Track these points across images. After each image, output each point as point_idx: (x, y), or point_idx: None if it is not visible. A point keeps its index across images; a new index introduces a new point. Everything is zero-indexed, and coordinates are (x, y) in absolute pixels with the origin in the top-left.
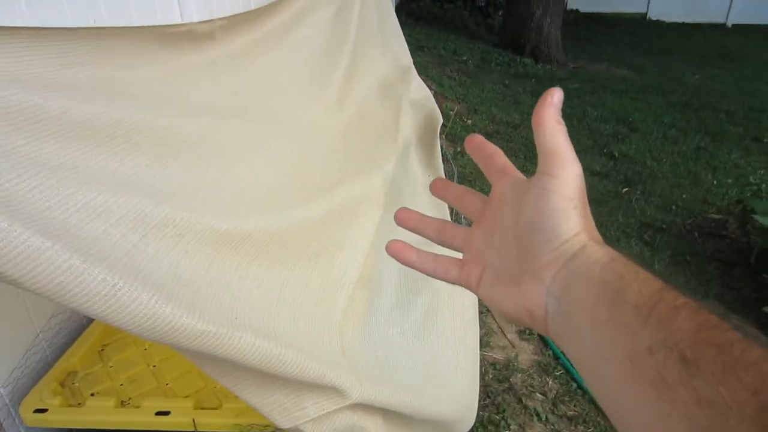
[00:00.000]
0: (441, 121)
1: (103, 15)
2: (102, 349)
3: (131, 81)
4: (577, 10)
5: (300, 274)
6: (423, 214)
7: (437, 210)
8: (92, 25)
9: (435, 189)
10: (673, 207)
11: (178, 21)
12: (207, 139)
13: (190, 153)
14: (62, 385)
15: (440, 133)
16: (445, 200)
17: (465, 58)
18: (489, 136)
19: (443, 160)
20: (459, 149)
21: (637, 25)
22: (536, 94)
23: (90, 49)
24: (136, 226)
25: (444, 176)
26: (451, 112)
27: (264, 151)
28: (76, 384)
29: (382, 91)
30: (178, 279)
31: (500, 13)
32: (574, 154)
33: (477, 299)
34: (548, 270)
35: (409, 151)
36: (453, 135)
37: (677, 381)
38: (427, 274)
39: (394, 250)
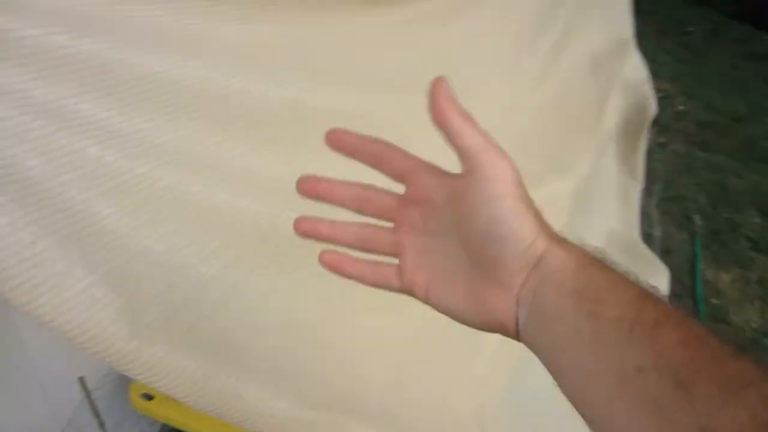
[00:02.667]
0: (654, 111)
1: None
2: None
3: (300, 41)
4: None
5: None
6: (333, 221)
7: (625, 220)
8: None
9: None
10: None
11: None
12: (376, 119)
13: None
14: None
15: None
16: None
17: (690, 28)
18: (702, 127)
19: (648, 157)
20: (661, 140)
21: None
22: None
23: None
24: (263, 240)
25: (641, 176)
26: (661, 95)
27: (431, 140)
28: None
29: (594, 67)
30: (287, 321)
31: None
32: (498, 145)
33: None
34: (514, 278)
35: (609, 145)
36: (658, 122)
37: (674, 406)
38: (367, 285)
39: (329, 264)
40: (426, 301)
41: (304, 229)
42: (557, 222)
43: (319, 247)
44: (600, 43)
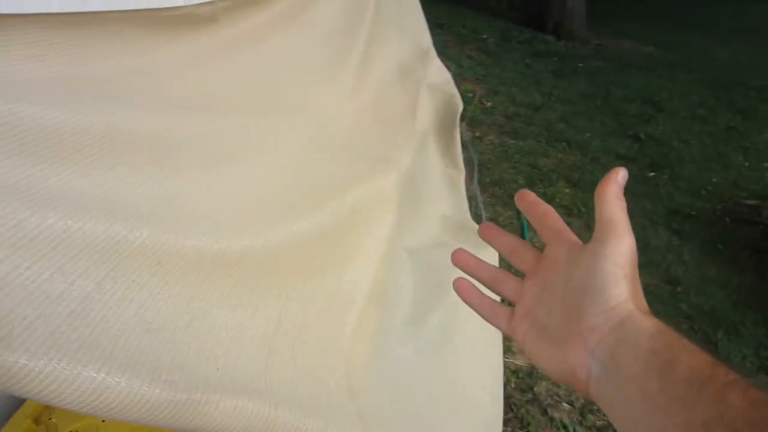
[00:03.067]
0: (461, 107)
1: None
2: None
3: (111, 76)
4: None
5: (303, 296)
6: (480, 260)
7: (455, 205)
8: (82, 8)
9: (484, 234)
10: (703, 192)
11: (180, 3)
12: (202, 140)
13: (180, 159)
14: (37, 422)
15: (461, 119)
16: (495, 248)
17: (485, 36)
18: (509, 118)
19: (463, 147)
20: (478, 134)
21: None
22: (558, 74)
23: (63, 39)
24: (104, 258)
25: (462, 165)
26: (470, 95)
27: (270, 151)
28: (53, 420)
29: (401, 75)
30: (149, 324)
31: None
32: (630, 226)
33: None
34: (594, 333)
35: (427, 141)
36: (472, 119)
37: None
38: (480, 316)
39: (460, 289)
40: (521, 344)
41: (458, 258)
42: (388, 208)
43: (165, 263)
44: (404, 53)
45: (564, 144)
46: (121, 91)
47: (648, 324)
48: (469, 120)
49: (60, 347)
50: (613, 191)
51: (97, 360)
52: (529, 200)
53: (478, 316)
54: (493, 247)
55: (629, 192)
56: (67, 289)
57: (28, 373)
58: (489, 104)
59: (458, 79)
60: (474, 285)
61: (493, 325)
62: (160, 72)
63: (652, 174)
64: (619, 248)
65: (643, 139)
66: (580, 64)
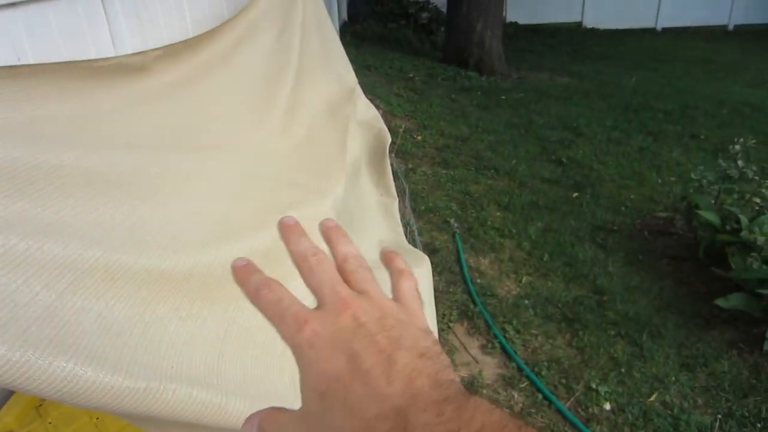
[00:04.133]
0: (390, 139)
1: (27, 52)
2: (40, 405)
3: (54, 120)
4: (516, 23)
5: (248, 309)
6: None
7: (390, 229)
8: (17, 63)
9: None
10: (622, 208)
11: (111, 53)
12: (141, 175)
13: (122, 191)
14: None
15: (390, 151)
16: None
17: (411, 75)
18: (440, 150)
19: (394, 177)
20: (410, 166)
21: (574, 33)
22: (483, 107)
23: (6, 89)
24: (63, 273)
25: (395, 193)
26: (400, 129)
27: (204, 183)
28: (51, 422)
29: (329, 114)
30: (108, 329)
31: (442, 29)
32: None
33: (435, 316)
34: None
35: (360, 172)
36: (403, 152)
37: None
38: None
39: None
40: None
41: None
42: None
43: (118, 279)
44: (331, 92)
45: (492, 171)
46: (62, 133)
47: None
48: (401, 153)
49: (32, 342)
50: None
51: (65, 353)
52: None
53: None
54: None
55: (557, 211)
56: (33, 299)
57: (6, 362)
58: (419, 138)
59: (388, 116)
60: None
61: None
62: (95, 117)
63: (576, 194)
64: None
65: (566, 162)
66: (503, 97)
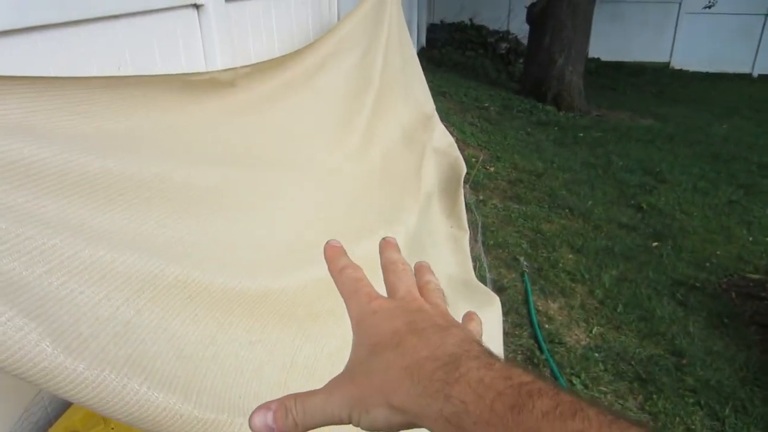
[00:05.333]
0: (465, 169)
1: (127, 62)
2: None
3: (147, 131)
4: (598, 59)
5: (316, 336)
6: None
7: (460, 264)
8: (117, 71)
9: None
10: (707, 264)
11: (203, 68)
12: (225, 191)
13: (206, 207)
14: None
15: (464, 182)
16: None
17: (486, 104)
18: (512, 184)
19: (467, 209)
20: (482, 198)
21: (660, 74)
22: (559, 142)
23: (104, 99)
24: (143, 289)
25: (467, 226)
26: (474, 160)
27: (286, 201)
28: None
29: (405, 138)
30: (181, 351)
31: (521, 60)
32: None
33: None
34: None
35: (432, 201)
36: (476, 183)
37: None
38: None
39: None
40: None
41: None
42: None
43: (195, 297)
44: (408, 118)
45: (567, 210)
46: (152, 145)
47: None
48: (472, 184)
49: (109, 361)
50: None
51: (139, 375)
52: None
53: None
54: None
55: (633, 260)
56: (113, 314)
57: (83, 380)
58: (492, 169)
59: (461, 145)
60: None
61: None
62: (185, 129)
63: (656, 244)
64: None
65: (646, 209)
66: (581, 134)
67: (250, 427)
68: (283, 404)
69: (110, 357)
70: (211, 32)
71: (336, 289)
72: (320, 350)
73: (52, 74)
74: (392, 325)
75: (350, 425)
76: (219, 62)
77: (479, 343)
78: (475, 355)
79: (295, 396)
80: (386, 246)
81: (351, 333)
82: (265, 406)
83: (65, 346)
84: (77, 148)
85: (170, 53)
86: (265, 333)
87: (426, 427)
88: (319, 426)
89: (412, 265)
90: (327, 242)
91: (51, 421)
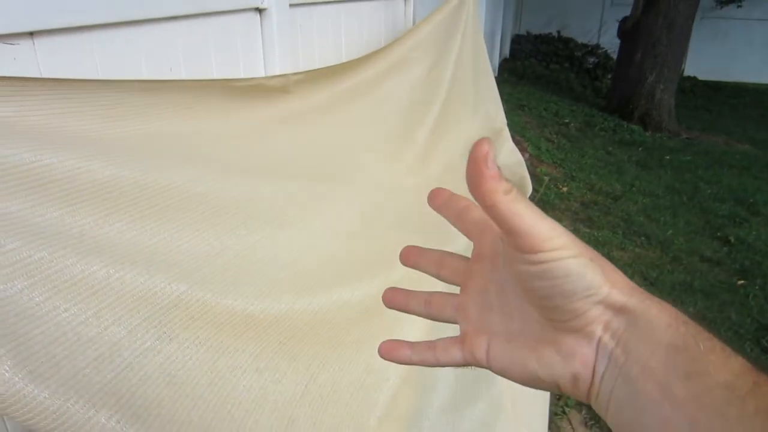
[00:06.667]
0: (531, 189)
1: (180, 64)
2: None
3: (179, 137)
4: (695, 77)
5: (334, 366)
6: (408, 290)
7: None
8: (168, 73)
9: (407, 259)
10: None
11: (261, 74)
12: (254, 202)
13: (230, 219)
14: None
15: (531, 200)
16: (421, 271)
17: (567, 120)
18: (585, 206)
19: None
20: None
21: (764, 96)
22: (642, 165)
23: (140, 102)
24: (138, 307)
25: None
26: (546, 177)
27: (329, 217)
28: None
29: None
30: (172, 377)
31: (609, 76)
32: (549, 220)
33: (548, 404)
34: (594, 325)
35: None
36: (545, 202)
37: None
38: (432, 366)
39: (385, 353)
40: (486, 366)
41: (387, 299)
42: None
43: (198, 318)
44: (476, 132)
45: (643, 239)
46: (180, 152)
47: (661, 314)
48: (542, 203)
49: (79, 389)
50: (495, 190)
51: (111, 406)
52: (444, 198)
53: (525, 410)
54: (419, 270)
55: (715, 298)
56: (100, 334)
57: (44, 410)
58: (565, 189)
59: (534, 160)
60: (400, 341)
61: (451, 365)
62: (225, 135)
63: (742, 282)
64: (563, 246)
65: (733, 242)
66: (667, 157)
67: None
68: None
69: (82, 383)
70: (272, 38)
71: (367, 314)
72: (339, 380)
73: (99, 76)
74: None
75: None
76: (278, 69)
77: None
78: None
79: None
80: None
81: (373, 363)
82: None
83: (29, 370)
84: (93, 153)
85: (227, 58)
86: (274, 361)
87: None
88: None
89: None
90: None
91: None
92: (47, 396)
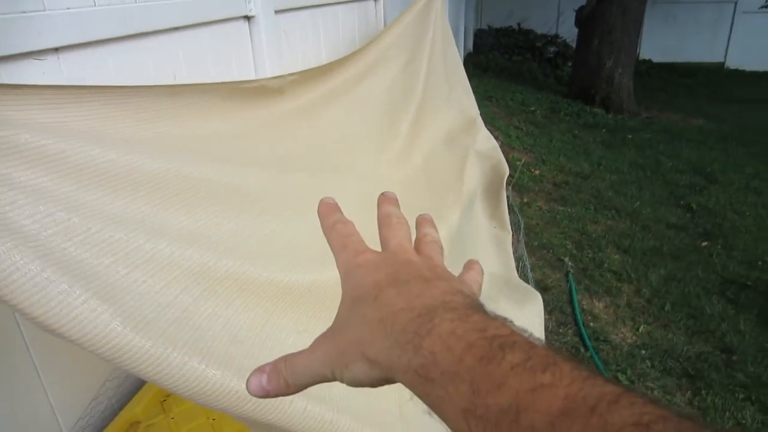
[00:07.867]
0: (507, 171)
1: (183, 71)
2: (164, 400)
3: (202, 136)
4: (650, 60)
5: None
6: None
7: (502, 263)
8: (173, 80)
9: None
10: (759, 263)
11: (252, 76)
12: (272, 191)
13: (255, 206)
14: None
15: (507, 184)
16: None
17: (533, 108)
18: (558, 186)
19: (509, 211)
20: (526, 200)
21: (714, 74)
22: (607, 145)
23: (165, 106)
24: (198, 279)
25: (509, 227)
26: (518, 163)
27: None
28: (173, 418)
29: (449, 142)
30: (234, 337)
31: (569, 64)
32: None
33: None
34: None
35: (474, 202)
36: (520, 186)
37: None
38: None
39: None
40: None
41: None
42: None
43: (245, 288)
44: (452, 122)
45: (613, 211)
46: (207, 147)
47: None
48: (517, 187)
49: (171, 341)
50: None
51: (198, 355)
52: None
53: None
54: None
55: (682, 259)
56: (173, 301)
57: (149, 357)
58: (537, 172)
59: (506, 148)
60: None
61: None
62: (238, 133)
63: (705, 243)
64: None
65: (695, 209)
66: (629, 136)
67: (247, 389)
68: (275, 366)
69: (172, 338)
70: (261, 42)
71: None
72: None
73: (118, 83)
74: (374, 278)
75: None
76: (268, 71)
77: (464, 295)
78: (453, 307)
79: (285, 357)
80: (384, 200)
81: None
82: (259, 369)
83: (133, 326)
84: (139, 151)
85: (222, 62)
86: (311, 324)
87: (398, 380)
88: (309, 385)
89: (460, 263)
90: (321, 199)
91: (115, 411)
92: (150, 345)
